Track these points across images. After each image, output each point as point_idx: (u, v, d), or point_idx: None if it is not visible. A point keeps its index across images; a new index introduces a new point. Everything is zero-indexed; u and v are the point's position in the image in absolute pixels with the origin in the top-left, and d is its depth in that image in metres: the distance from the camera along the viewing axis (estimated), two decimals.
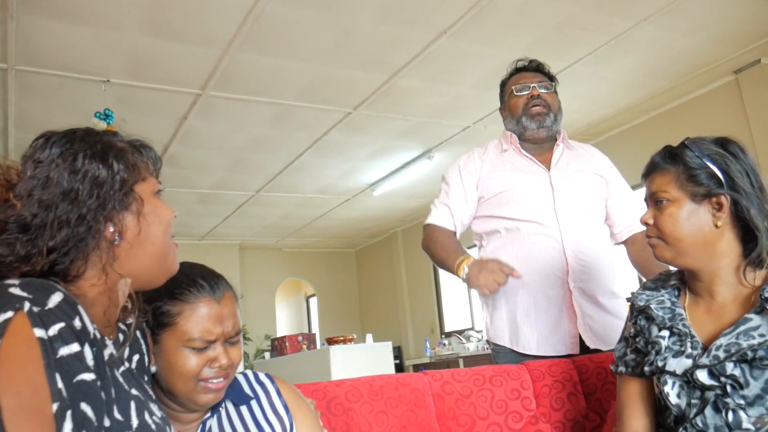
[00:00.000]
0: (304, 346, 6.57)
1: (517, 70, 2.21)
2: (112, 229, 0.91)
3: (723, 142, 1.25)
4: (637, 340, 1.30)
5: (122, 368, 0.93)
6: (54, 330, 0.77)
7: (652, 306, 1.27)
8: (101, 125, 4.28)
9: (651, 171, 1.30)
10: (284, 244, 10.53)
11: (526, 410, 1.63)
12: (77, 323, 0.80)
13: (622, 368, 1.33)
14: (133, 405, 0.88)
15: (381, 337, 8.37)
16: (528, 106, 2.11)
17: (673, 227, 1.22)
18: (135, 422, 0.86)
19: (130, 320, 1.01)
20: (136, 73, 4.27)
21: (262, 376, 1.20)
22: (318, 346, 6.79)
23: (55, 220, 0.87)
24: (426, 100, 5.21)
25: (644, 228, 1.31)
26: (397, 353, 9.14)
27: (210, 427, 1.10)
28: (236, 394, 1.14)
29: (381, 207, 8.66)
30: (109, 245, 0.91)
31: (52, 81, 4.25)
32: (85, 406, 0.75)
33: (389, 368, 5.98)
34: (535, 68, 2.20)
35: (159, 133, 5.32)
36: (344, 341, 5.95)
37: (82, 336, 0.80)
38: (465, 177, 2.13)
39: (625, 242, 2.16)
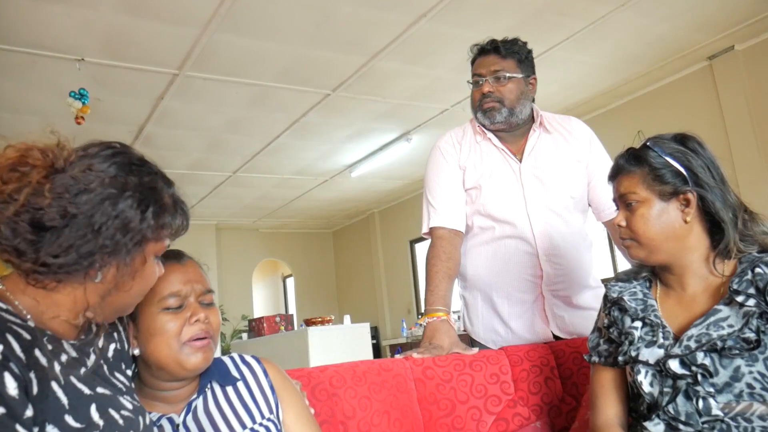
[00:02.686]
0: (282, 327, 6.58)
1: (479, 53, 2.00)
2: (98, 268, 0.89)
3: (682, 139, 1.29)
4: (611, 330, 1.34)
5: (83, 370, 0.91)
6: None
7: (625, 297, 1.32)
8: (76, 105, 4.21)
9: (617, 173, 1.32)
10: (261, 224, 10.49)
11: (504, 394, 1.67)
12: None
13: (595, 358, 1.38)
14: (93, 407, 0.88)
15: (358, 317, 8.42)
16: (481, 103, 1.95)
17: (645, 227, 1.26)
18: (100, 422, 0.87)
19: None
20: (112, 52, 4.20)
21: (248, 358, 1.22)
22: (296, 327, 6.82)
23: (66, 241, 0.85)
24: (405, 83, 5.21)
25: None
26: (374, 333, 9.21)
27: (196, 407, 1.11)
28: (222, 376, 1.16)
29: (359, 188, 8.67)
30: (90, 281, 0.89)
31: (25, 59, 4.16)
32: None
33: (367, 349, 6.04)
34: (495, 50, 1.95)
35: (134, 113, 5.26)
36: (322, 322, 5.98)
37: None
38: (450, 162, 2.01)
39: (608, 222, 2.04)
